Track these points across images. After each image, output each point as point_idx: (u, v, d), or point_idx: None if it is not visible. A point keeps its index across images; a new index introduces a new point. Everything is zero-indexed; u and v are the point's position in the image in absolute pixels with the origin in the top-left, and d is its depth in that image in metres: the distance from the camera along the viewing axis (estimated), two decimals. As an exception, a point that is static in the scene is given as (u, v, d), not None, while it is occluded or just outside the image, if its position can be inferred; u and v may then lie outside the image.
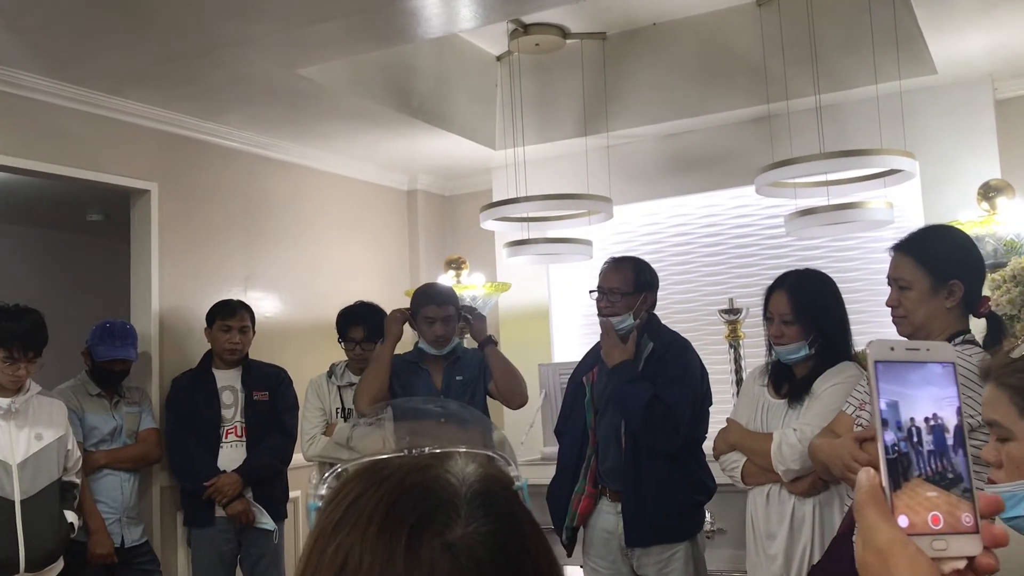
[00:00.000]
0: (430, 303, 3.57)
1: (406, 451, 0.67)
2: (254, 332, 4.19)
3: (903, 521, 0.64)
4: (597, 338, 3.34)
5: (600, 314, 3.22)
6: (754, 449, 2.76)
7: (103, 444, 3.82)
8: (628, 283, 3.18)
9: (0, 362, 3.21)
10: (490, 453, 0.68)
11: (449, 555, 0.60)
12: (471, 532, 0.61)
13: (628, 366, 3.08)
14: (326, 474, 0.68)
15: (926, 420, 0.66)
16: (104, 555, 3.67)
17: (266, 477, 4.02)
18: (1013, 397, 1.27)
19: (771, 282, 2.84)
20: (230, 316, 4.09)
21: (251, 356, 4.19)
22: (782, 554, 2.67)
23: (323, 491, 0.67)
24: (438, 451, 0.67)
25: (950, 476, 0.65)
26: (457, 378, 3.58)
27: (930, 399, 0.66)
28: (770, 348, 2.82)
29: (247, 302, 4.25)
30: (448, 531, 0.61)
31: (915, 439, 0.66)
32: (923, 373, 0.67)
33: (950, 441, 0.66)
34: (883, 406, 0.66)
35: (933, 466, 0.65)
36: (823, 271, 2.91)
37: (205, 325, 4.14)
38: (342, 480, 0.67)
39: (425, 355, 3.62)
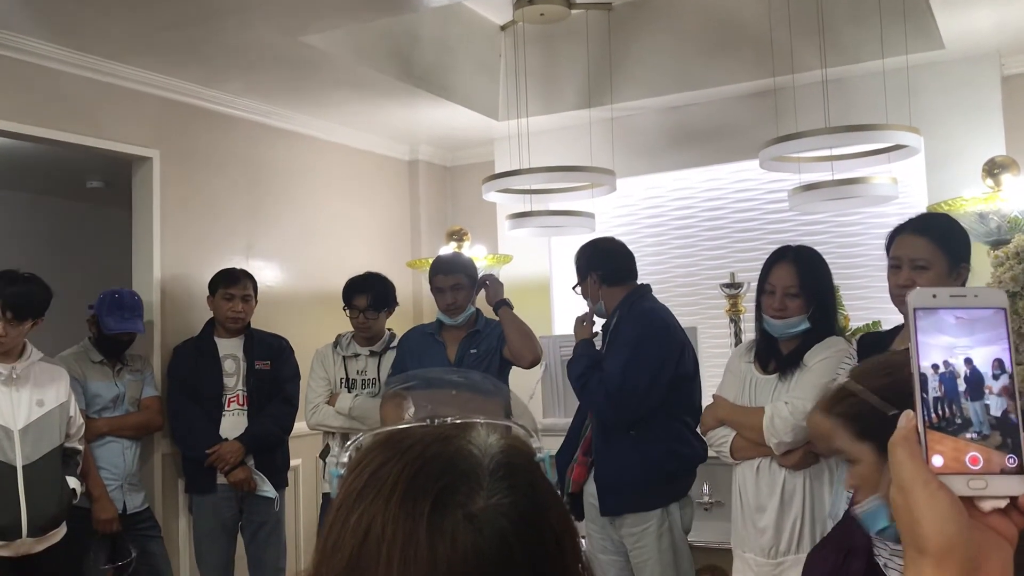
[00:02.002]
0: (438, 273, 3.65)
1: (428, 421, 0.67)
2: (256, 301, 4.19)
3: (937, 461, 0.65)
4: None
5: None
6: (745, 424, 2.77)
7: (105, 411, 3.82)
8: (579, 273, 3.38)
9: None
10: (510, 423, 0.68)
11: (471, 526, 0.60)
12: (493, 504, 0.61)
13: (583, 344, 3.29)
14: (349, 442, 0.68)
15: (967, 363, 0.67)
16: (108, 520, 3.69)
17: (268, 445, 4.04)
18: (846, 424, 1.39)
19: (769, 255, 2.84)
20: (233, 284, 4.09)
21: (253, 325, 4.19)
22: (772, 527, 2.69)
23: (346, 459, 0.67)
24: (459, 421, 0.67)
25: (994, 420, 0.66)
26: (471, 351, 3.62)
27: (975, 344, 0.67)
28: (759, 321, 2.82)
29: (249, 271, 4.24)
30: (470, 502, 0.61)
31: (956, 384, 0.66)
32: (969, 319, 0.67)
33: (996, 386, 0.67)
34: (921, 351, 0.67)
35: (975, 410, 0.66)
36: (821, 247, 2.96)
37: (208, 293, 4.14)
38: (364, 448, 0.66)
39: (443, 327, 3.68)
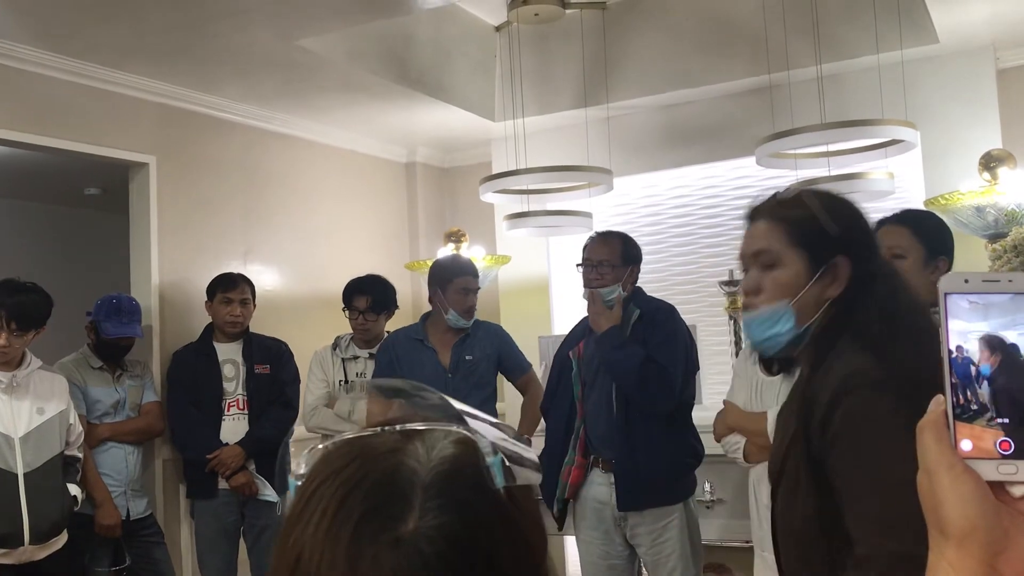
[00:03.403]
0: (466, 273, 3.63)
1: (379, 428, 0.65)
2: (255, 305, 4.19)
3: (966, 445, 0.65)
4: (583, 317, 3.37)
5: (587, 286, 3.24)
6: (750, 430, 2.78)
7: (106, 417, 3.83)
8: (616, 255, 3.22)
9: None
10: (461, 430, 0.64)
11: (396, 551, 0.58)
12: (424, 525, 0.59)
13: (616, 332, 3.11)
14: (304, 452, 0.67)
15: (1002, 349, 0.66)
16: (112, 526, 3.69)
17: (268, 449, 4.04)
18: (786, 228, 1.53)
19: None
20: (231, 288, 4.09)
21: (252, 330, 4.19)
22: None
23: (302, 470, 0.65)
24: (410, 428, 0.65)
25: None
26: (467, 357, 3.58)
27: (1008, 329, 0.66)
28: None
29: (247, 275, 4.24)
30: (397, 525, 0.59)
31: (987, 369, 0.66)
32: (1002, 304, 0.67)
33: None
34: (951, 336, 0.66)
35: (1006, 395, 0.66)
36: None
37: (206, 299, 4.14)
38: (312, 464, 0.64)
39: (433, 331, 3.62)
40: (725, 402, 2.95)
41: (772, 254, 1.53)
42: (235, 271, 4.24)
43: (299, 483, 0.64)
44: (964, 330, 0.67)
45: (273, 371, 4.12)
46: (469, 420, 0.67)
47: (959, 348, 0.66)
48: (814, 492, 1.41)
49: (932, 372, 1.39)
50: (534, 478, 0.67)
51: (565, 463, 3.20)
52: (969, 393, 0.66)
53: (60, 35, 3.72)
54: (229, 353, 4.12)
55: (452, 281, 3.58)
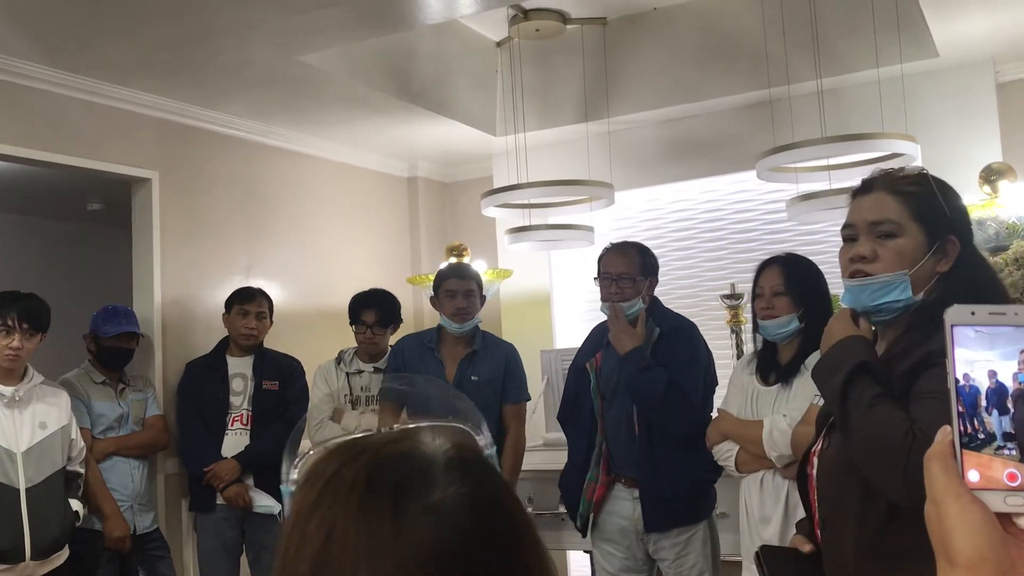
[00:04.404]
0: (451, 276, 3.59)
1: (375, 430, 0.70)
2: (272, 321, 4.19)
3: (973, 476, 0.65)
4: (597, 324, 3.33)
5: (606, 300, 3.16)
6: (746, 437, 2.78)
7: (110, 432, 3.83)
8: (635, 267, 3.14)
9: None
10: (457, 424, 0.72)
11: (432, 517, 0.63)
12: (451, 494, 0.64)
13: (639, 353, 3.04)
14: (297, 459, 0.70)
15: (1011, 381, 0.67)
16: (121, 539, 3.66)
17: (268, 463, 4.03)
18: (909, 202, 1.61)
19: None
20: (248, 300, 4.11)
21: (263, 344, 4.19)
22: (776, 538, 2.69)
23: (295, 475, 0.69)
24: (410, 426, 0.71)
25: None
26: (472, 378, 3.52)
27: (1012, 359, 0.67)
28: (756, 330, 2.83)
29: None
30: (428, 494, 0.64)
31: (993, 402, 0.66)
32: (1007, 337, 0.67)
33: None
34: (958, 367, 0.67)
35: (1011, 427, 0.66)
36: (820, 256, 2.97)
37: (224, 311, 4.15)
38: (314, 462, 0.69)
39: (444, 341, 3.59)
40: (719, 410, 2.96)
41: (895, 224, 1.61)
42: (243, 285, 4.26)
43: (293, 488, 0.68)
44: (971, 359, 0.67)
45: (282, 388, 4.10)
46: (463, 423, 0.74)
47: (966, 376, 0.67)
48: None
49: None
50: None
51: (588, 479, 3.15)
52: (976, 422, 0.66)
53: (63, 51, 3.74)
54: (240, 367, 4.11)
55: (441, 285, 3.57)
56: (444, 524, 0.63)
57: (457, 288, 3.53)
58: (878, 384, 1.51)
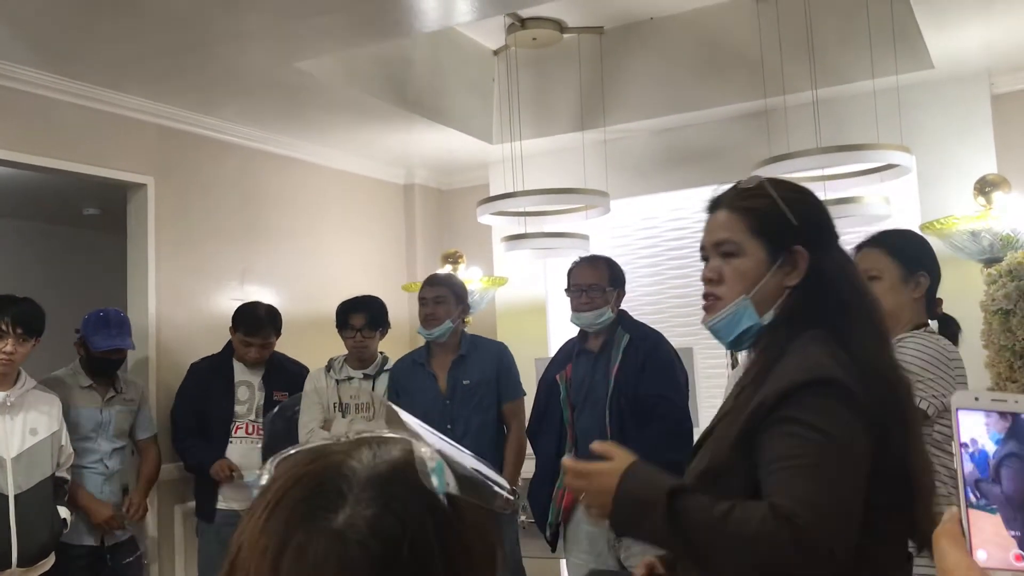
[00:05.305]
0: (424, 285, 3.70)
1: (335, 439, 0.69)
2: (279, 335, 4.13)
3: (982, 555, 0.67)
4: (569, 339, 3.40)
5: (576, 310, 3.27)
6: None
7: (86, 441, 3.62)
8: (604, 279, 3.28)
9: None
10: (407, 438, 0.68)
11: (325, 538, 0.61)
12: (353, 516, 0.61)
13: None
14: (267, 462, 0.70)
15: (1011, 461, 0.68)
16: (109, 518, 3.59)
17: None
18: (747, 218, 1.54)
19: None
20: (253, 334, 4.03)
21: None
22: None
23: (264, 479, 0.68)
24: (363, 436, 0.68)
25: None
26: (464, 382, 3.57)
27: (1013, 439, 0.68)
28: None
29: (246, 297, 4.23)
30: (332, 515, 0.62)
31: (998, 482, 0.68)
32: (1008, 422, 0.69)
33: None
34: (964, 449, 0.69)
35: (1016, 508, 0.67)
36: None
37: (230, 324, 4.10)
38: (272, 469, 0.68)
39: (433, 354, 3.65)
40: None
41: (733, 244, 1.55)
42: (250, 301, 4.19)
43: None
44: (992, 445, 0.69)
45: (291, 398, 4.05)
46: (430, 439, 0.69)
47: (973, 441, 0.68)
48: (730, 459, 1.42)
49: (887, 363, 1.41)
50: (495, 503, 0.69)
51: (557, 487, 3.19)
52: (983, 488, 0.68)
53: (60, 56, 3.74)
54: (247, 375, 4.07)
55: (419, 295, 3.69)
56: (334, 547, 0.60)
57: (427, 295, 3.65)
58: (699, 493, 1.37)
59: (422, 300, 3.65)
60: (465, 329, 3.83)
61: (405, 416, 0.73)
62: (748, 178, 1.62)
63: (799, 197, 1.58)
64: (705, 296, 1.59)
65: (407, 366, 3.72)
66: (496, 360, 3.68)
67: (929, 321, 2.37)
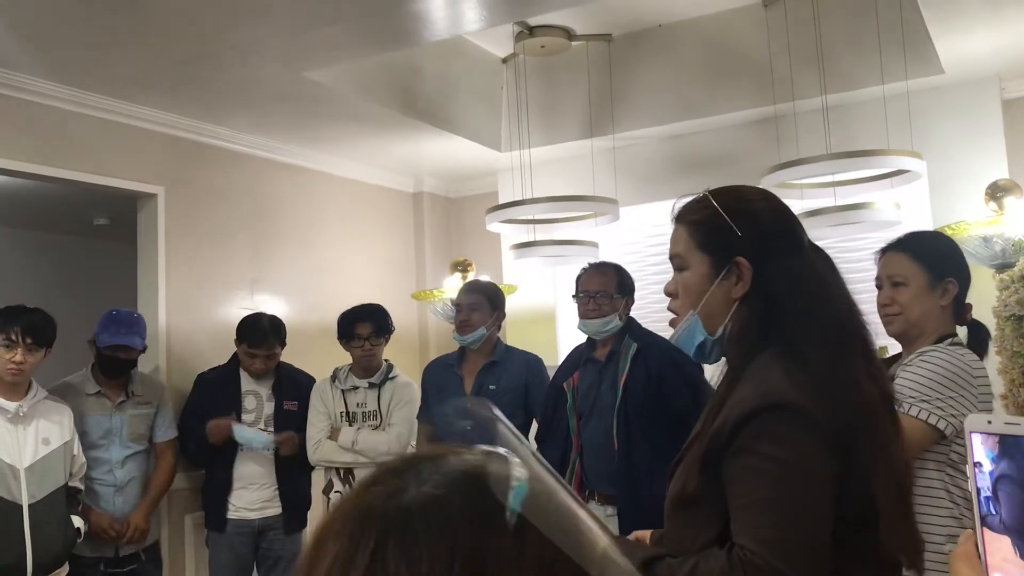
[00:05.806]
0: (460, 292, 3.75)
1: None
2: (284, 345, 4.12)
3: None
4: (576, 346, 3.38)
5: (583, 317, 3.25)
6: None
7: (95, 449, 3.61)
8: (612, 286, 3.25)
9: None
10: (490, 449, 0.65)
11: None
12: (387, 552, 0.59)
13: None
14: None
15: (1005, 483, 0.67)
16: (107, 527, 3.58)
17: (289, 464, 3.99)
18: (691, 231, 1.53)
19: None
20: (257, 345, 4.00)
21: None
22: None
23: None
24: (424, 453, 0.67)
25: None
26: (490, 387, 3.57)
27: (1006, 466, 0.68)
28: None
29: (265, 311, 4.21)
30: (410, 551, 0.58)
31: (1010, 506, 0.68)
32: (996, 438, 0.69)
33: None
34: (978, 473, 0.69)
35: (1018, 535, 0.67)
36: None
37: (235, 335, 4.08)
38: (364, 476, 0.68)
39: (466, 359, 3.69)
40: None
41: (680, 258, 1.55)
42: (254, 309, 4.18)
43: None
44: (1005, 466, 0.69)
45: (300, 408, 4.04)
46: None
47: (981, 463, 0.69)
48: (699, 485, 1.41)
49: (845, 379, 1.37)
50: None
51: None
52: (994, 506, 0.68)
53: (70, 67, 3.76)
54: (254, 385, 4.06)
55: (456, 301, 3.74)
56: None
57: (463, 302, 3.68)
58: (668, 557, 1.39)
59: (457, 306, 3.70)
60: (500, 337, 3.85)
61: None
62: (703, 190, 1.59)
63: (746, 207, 1.53)
64: (669, 310, 1.59)
65: (439, 367, 3.78)
66: (525, 370, 3.67)
67: (957, 329, 2.25)
